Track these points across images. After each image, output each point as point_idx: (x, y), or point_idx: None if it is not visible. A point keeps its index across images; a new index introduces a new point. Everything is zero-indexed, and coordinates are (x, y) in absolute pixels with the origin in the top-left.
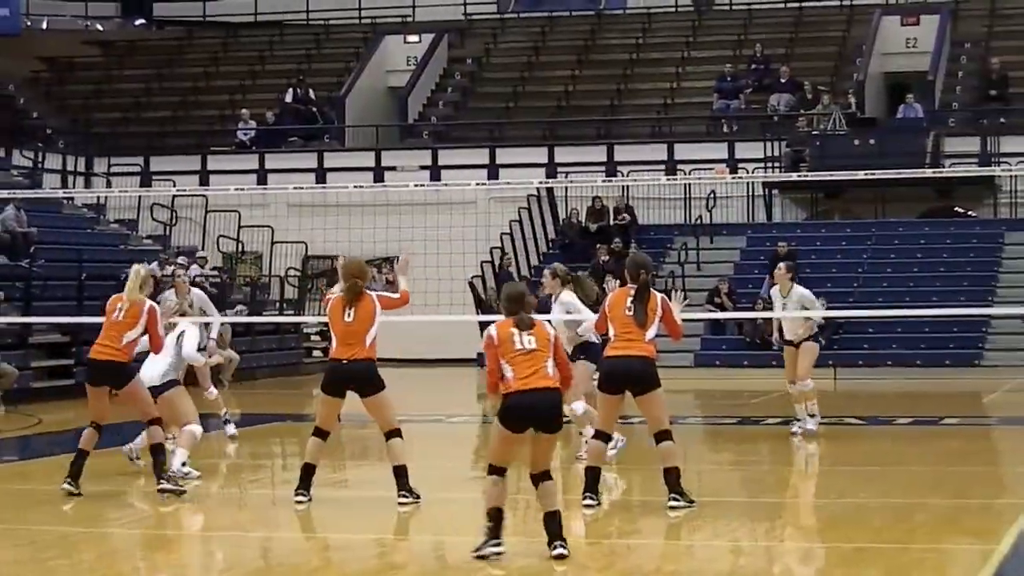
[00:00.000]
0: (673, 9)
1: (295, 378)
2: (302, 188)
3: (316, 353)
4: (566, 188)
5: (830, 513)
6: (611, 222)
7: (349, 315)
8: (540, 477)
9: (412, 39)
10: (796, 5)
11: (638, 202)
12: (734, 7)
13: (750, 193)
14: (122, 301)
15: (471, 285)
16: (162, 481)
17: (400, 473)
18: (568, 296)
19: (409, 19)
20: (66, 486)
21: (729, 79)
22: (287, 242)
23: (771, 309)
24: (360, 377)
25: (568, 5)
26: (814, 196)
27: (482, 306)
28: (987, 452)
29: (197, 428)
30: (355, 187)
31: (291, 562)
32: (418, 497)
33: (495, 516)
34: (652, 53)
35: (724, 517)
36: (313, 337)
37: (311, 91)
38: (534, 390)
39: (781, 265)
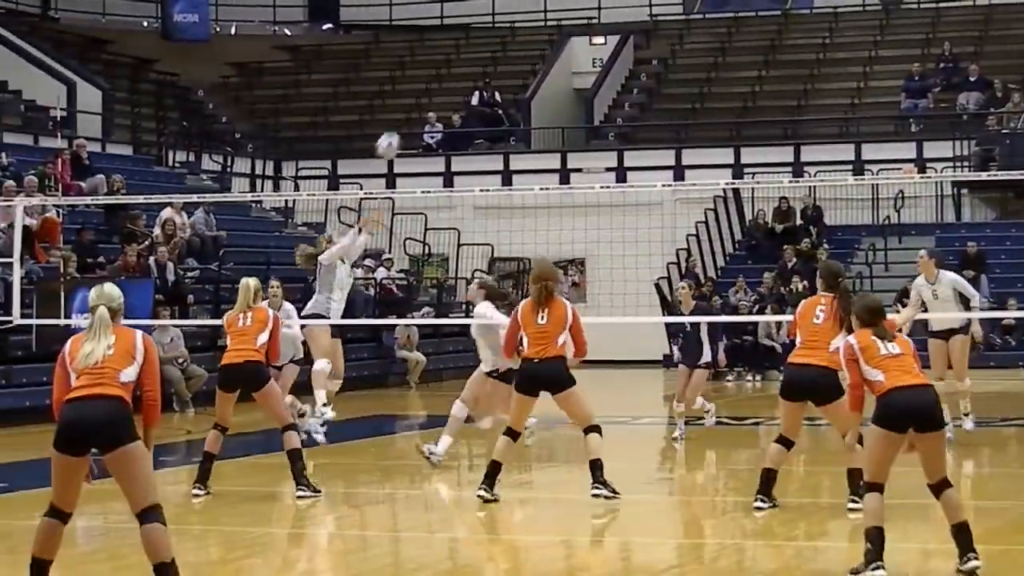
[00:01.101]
0: (860, 8)
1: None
2: (488, 191)
3: None
4: (752, 189)
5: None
6: (798, 223)
7: (542, 317)
8: (940, 486)
9: (598, 41)
10: (985, 2)
11: (825, 203)
12: (922, 5)
13: (939, 193)
14: (242, 312)
15: (657, 286)
16: (301, 488)
17: (596, 466)
18: (483, 307)
19: (595, 21)
20: (195, 491)
21: (917, 78)
22: (473, 244)
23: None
24: (551, 374)
25: (754, 5)
26: (1004, 195)
27: (668, 307)
28: None
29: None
30: (541, 189)
31: (477, 563)
32: (616, 492)
33: (875, 537)
34: (838, 53)
35: (912, 519)
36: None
37: (497, 93)
38: (911, 387)
39: (922, 252)
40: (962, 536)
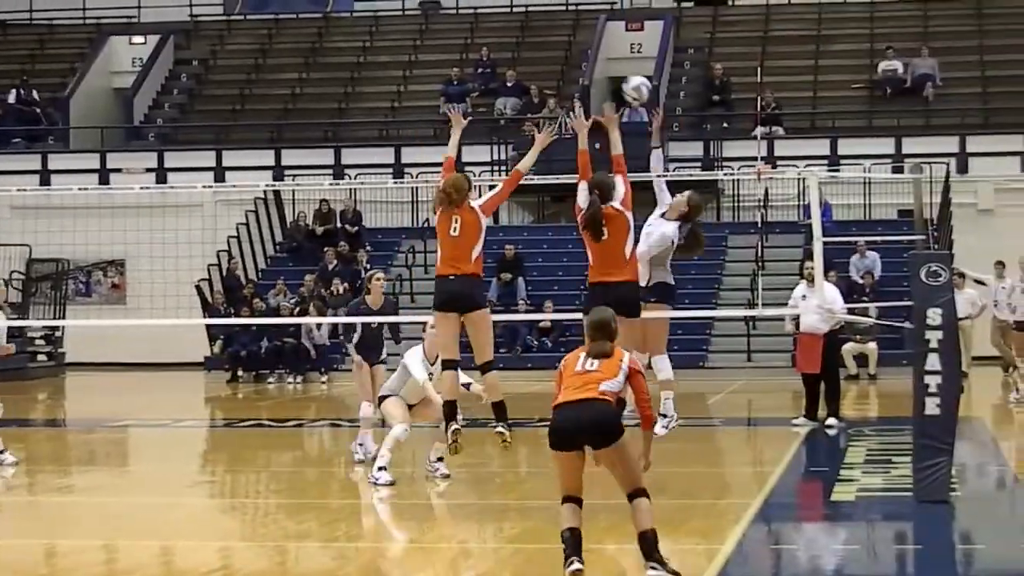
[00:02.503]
0: (400, 12)
1: (18, 383)
2: (25, 190)
3: (40, 357)
4: (293, 191)
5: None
6: (338, 225)
7: (454, 229)
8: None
9: (137, 40)
10: (522, 9)
11: (366, 205)
12: (461, 11)
13: None
14: None
15: (198, 288)
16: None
17: (500, 408)
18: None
19: (135, 20)
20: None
21: (456, 82)
22: (11, 245)
23: None
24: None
25: (294, 7)
26: (540, 199)
27: (208, 309)
28: (712, 453)
29: None
30: (80, 189)
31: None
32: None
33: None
34: (380, 56)
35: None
36: (37, 341)
37: (35, 92)
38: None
39: None
40: (645, 543)
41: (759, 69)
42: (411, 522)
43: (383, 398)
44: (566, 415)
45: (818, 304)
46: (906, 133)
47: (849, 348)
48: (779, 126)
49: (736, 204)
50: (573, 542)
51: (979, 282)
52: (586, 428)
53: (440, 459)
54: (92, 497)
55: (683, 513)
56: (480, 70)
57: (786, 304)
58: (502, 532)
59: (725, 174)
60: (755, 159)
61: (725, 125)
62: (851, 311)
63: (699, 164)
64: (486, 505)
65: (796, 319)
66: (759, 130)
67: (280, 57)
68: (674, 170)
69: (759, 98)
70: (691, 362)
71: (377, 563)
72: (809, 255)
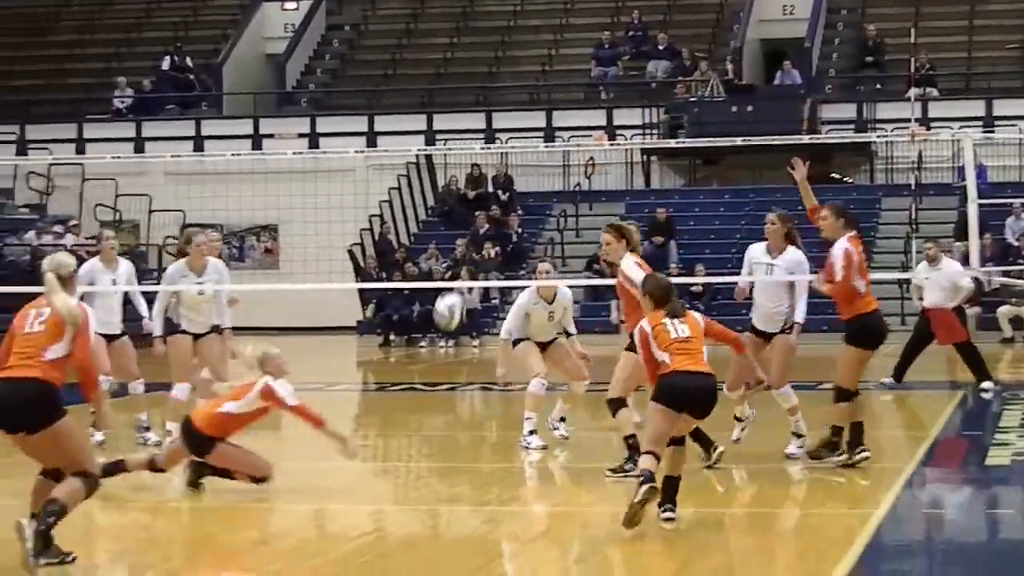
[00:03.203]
0: None
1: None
2: (179, 156)
3: None
4: (445, 155)
5: (704, 479)
6: (490, 189)
7: None
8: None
9: (290, 6)
10: None
11: (516, 169)
12: None
13: (629, 160)
14: None
15: (350, 253)
16: None
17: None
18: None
19: None
20: None
21: (607, 46)
22: (165, 210)
23: None
24: None
25: None
26: (692, 163)
27: (361, 273)
28: (866, 417)
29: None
30: (233, 155)
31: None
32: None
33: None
34: (530, 20)
35: (605, 483)
36: None
37: (188, 58)
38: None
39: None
40: (671, 487)
41: (913, 30)
42: (563, 486)
43: (516, 342)
44: (689, 382)
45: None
46: None
47: (1004, 311)
48: (933, 87)
49: (889, 166)
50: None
51: None
52: (702, 401)
53: (563, 419)
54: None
55: (836, 477)
56: (631, 33)
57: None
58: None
59: (878, 136)
60: (909, 121)
61: (878, 86)
62: (1006, 274)
63: (852, 126)
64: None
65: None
66: (913, 91)
67: (431, 21)
68: (827, 132)
69: (913, 59)
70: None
71: (529, 527)
72: (962, 221)
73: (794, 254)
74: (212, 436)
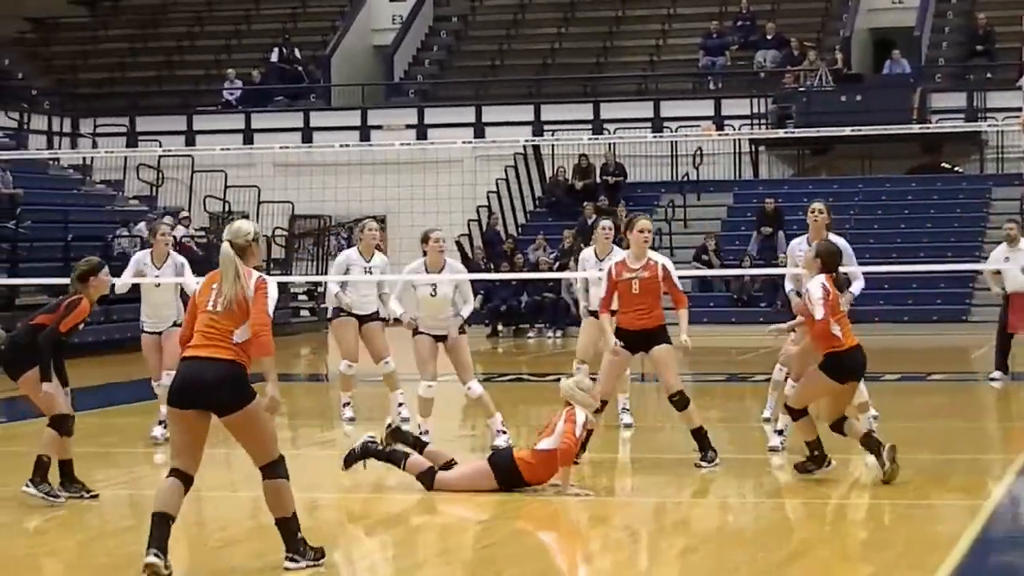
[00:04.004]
0: None
1: (281, 338)
2: (288, 148)
3: (304, 313)
4: (552, 146)
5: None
6: (598, 180)
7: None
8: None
9: None
10: None
11: (624, 160)
12: None
13: (737, 150)
14: None
15: (458, 243)
16: None
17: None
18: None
19: None
20: None
21: (715, 35)
22: (274, 202)
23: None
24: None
25: None
26: (801, 153)
27: (469, 264)
28: (974, 407)
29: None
30: (341, 146)
31: None
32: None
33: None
34: (637, 10)
35: (711, 474)
36: (300, 297)
37: (297, 50)
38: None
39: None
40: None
41: None
42: (663, 476)
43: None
44: (860, 357)
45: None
46: None
47: None
48: None
49: (1000, 155)
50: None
51: None
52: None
53: (625, 409)
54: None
55: (944, 468)
56: (739, 22)
57: None
58: (762, 487)
59: (989, 125)
60: (1020, 110)
61: (989, 75)
62: None
63: (962, 115)
64: (747, 459)
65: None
66: None
67: (538, 12)
68: (936, 121)
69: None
70: (953, 316)
71: (634, 519)
72: None
73: (839, 241)
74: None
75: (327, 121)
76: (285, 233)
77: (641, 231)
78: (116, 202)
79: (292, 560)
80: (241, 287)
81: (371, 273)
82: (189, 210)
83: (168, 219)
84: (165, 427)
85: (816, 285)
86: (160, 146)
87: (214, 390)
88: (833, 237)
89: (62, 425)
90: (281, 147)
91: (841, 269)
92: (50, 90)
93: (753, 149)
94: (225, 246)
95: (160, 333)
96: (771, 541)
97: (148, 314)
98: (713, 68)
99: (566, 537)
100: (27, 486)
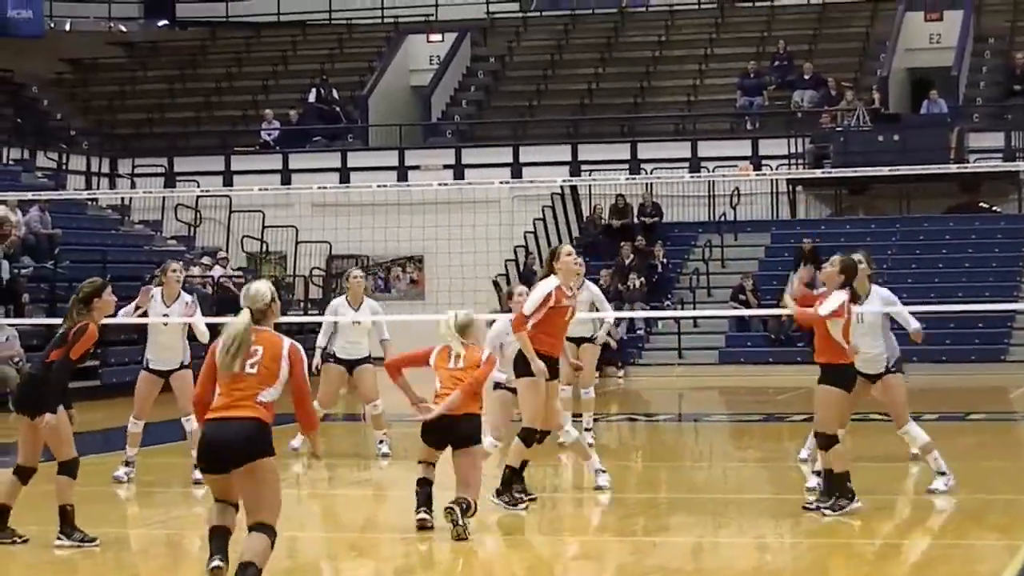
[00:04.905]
0: (696, 6)
1: (314, 377)
2: (326, 188)
3: None
4: (590, 186)
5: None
6: (635, 220)
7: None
8: None
9: (435, 38)
10: (819, 1)
11: (662, 199)
12: (757, 3)
13: (774, 190)
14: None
15: (495, 284)
16: None
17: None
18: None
19: (432, 18)
20: None
21: (752, 75)
22: (311, 242)
23: None
24: None
25: (590, 3)
26: (838, 192)
27: (506, 305)
28: (1013, 447)
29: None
30: (379, 186)
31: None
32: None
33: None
34: (675, 51)
35: (749, 514)
36: None
37: (334, 91)
38: None
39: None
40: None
41: None
42: (707, 516)
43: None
44: (855, 370)
45: None
46: None
47: None
48: None
49: None
50: None
51: None
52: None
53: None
54: (390, 491)
55: (983, 508)
56: (777, 63)
57: None
58: (800, 527)
59: None
60: None
61: None
62: None
63: (1000, 154)
64: (784, 499)
65: None
66: None
67: (576, 52)
68: (974, 161)
69: None
70: (991, 356)
71: (671, 559)
72: None
73: (881, 291)
74: None
75: (364, 161)
76: (323, 273)
77: (569, 255)
78: (154, 242)
79: None
80: (264, 353)
81: (359, 324)
82: (227, 250)
83: (206, 259)
84: (129, 466)
85: (836, 299)
86: (198, 186)
87: (235, 443)
88: (876, 288)
89: (72, 470)
90: (319, 187)
91: (888, 310)
92: (89, 131)
93: (790, 189)
94: (240, 318)
95: (164, 372)
96: None
97: (154, 352)
98: (750, 108)
99: None
100: (60, 538)
